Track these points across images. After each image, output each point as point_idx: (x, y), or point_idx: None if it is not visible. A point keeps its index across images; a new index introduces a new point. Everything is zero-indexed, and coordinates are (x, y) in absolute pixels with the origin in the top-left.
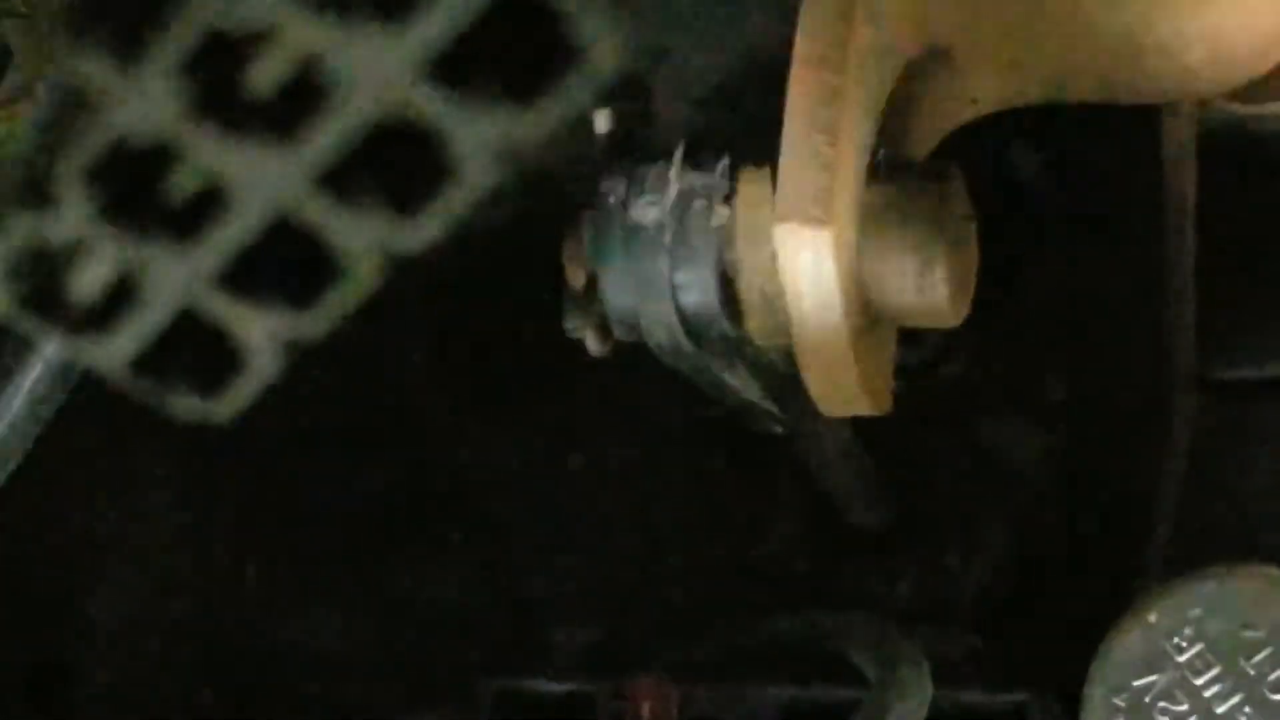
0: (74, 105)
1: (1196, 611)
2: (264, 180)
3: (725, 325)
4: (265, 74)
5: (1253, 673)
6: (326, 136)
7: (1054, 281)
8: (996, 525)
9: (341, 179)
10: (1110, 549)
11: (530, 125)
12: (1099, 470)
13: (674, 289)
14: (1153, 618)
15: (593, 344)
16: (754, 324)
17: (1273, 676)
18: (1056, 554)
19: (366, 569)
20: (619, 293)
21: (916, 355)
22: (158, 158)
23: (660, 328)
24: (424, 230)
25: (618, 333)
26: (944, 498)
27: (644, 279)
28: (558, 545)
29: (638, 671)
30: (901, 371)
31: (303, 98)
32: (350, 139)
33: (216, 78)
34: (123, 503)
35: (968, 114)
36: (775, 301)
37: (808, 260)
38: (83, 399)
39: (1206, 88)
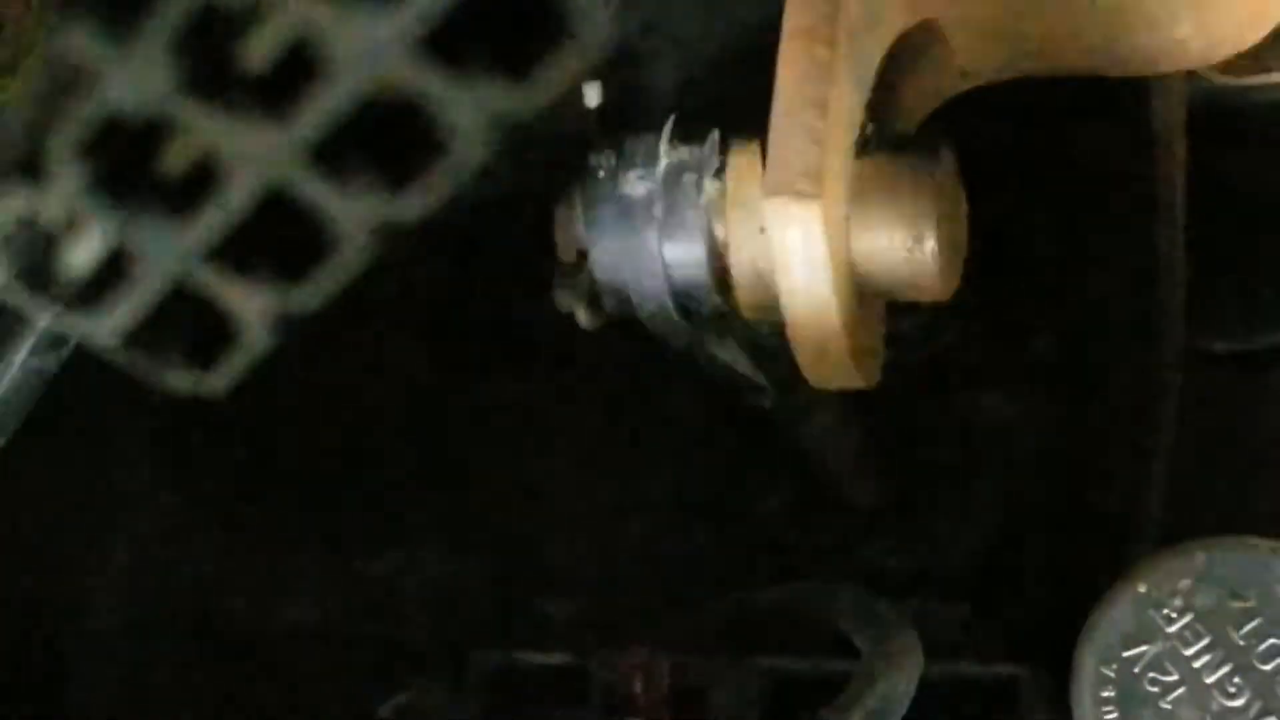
0: (67, 80)
1: (1186, 582)
2: (256, 155)
3: (716, 298)
4: (258, 49)
5: (1242, 643)
6: (319, 111)
7: (1045, 253)
8: (987, 497)
9: (334, 153)
10: (1100, 520)
11: (522, 99)
12: (1089, 442)
13: (664, 262)
14: (1142, 589)
15: (583, 318)
16: (744, 297)
17: (1262, 647)
18: (1047, 525)
19: (357, 544)
20: (610, 266)
21: (907, 325)
22: (150, 133)
23: (651, 301)
24: (416, 204)
25: (608, 306)
26: (935, 469)
27: (634, 252)
28: (549, 518)
29: (629, 644)
30: (892, 341)
31: (295, 72)
32: (343, 114)
33: (209, 53)
34: (105, 486)
35: (958, 87)
36: (765, 275)
37: (797, 235)
38: (65, 389)
39: (1195, 60)
